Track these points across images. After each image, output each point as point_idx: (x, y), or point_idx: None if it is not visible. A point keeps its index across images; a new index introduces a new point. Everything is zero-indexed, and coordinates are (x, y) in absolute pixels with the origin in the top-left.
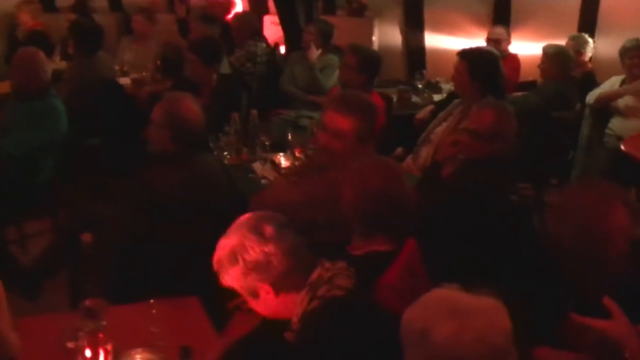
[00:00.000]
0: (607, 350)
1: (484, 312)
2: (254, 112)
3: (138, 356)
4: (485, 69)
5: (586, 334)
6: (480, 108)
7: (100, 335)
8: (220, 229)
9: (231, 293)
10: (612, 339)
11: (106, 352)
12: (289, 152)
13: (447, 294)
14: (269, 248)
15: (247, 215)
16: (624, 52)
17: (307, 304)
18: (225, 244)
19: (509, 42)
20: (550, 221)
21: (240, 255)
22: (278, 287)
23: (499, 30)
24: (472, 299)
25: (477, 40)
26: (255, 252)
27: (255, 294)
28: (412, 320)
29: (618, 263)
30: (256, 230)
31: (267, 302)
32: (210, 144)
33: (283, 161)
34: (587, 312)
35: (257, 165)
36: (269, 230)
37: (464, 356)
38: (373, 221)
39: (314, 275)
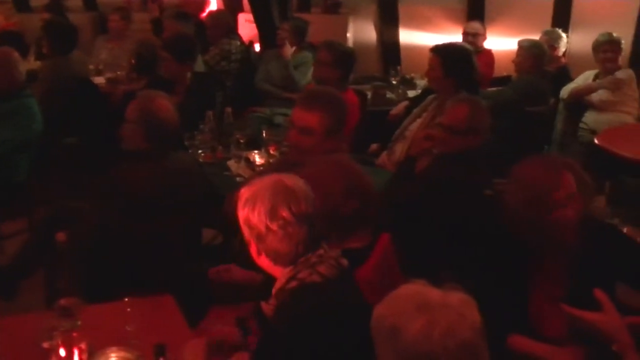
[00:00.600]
0: (596, 343)
1: (453, 307)
2: (229, 110)
3: (113, 355)
4: (458, 64)
5: (576, 324)
6: (454, 103)
7: (75, 335)
8: (194, 227)
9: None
10: (602, 332)
11: (80, 351)
12: (263, 149)
13: (415, 289)
14: (273, 227)
15: (283, 183)
16: (597, 46)
17: (285, 282)
18: (252, 189)
19: (484, 38)
20: (505, 196)
21: (249, 209)
22: (270, 257)
23: (476, 25)
24: (441, 295)
25: (451, 35)
26: (260, 221)
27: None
28: (381, 317)
29: (568, 232)
30: (273, 204)
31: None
32: (185, 142)
33: (258, 159)
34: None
35: (231, 163)
36: (284, 213)
37: (433, 352)
38: (344, 222)
39: (303, 258)
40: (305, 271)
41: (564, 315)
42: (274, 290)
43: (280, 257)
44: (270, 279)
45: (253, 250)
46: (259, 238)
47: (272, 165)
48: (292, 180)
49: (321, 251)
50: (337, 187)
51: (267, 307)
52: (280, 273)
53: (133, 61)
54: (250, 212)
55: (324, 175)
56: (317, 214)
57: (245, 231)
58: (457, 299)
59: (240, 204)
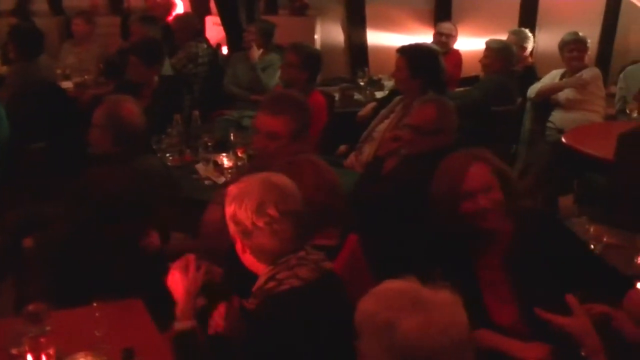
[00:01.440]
0: (566, 346)
1: (446, 305)
2: (196, 113)
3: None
4: (425, 64)
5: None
6: (421, 104)
7: (43, 340)
8: (162, 230)
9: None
10: (571, 335)
11: (48, 357)
12: (231, 152)
13: (406, 286)
14: (260, 223)
15: (271, 180)
16: (563, 45)
17: (264, 282)
18: (240, 186)
19: (455, 39)
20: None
21: (236, 206)
22: (254, 254)
23: (449, 26)
24: (432, 292)
25: (419, 36)
26: (247, 217)
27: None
28: (373, 312)
29: (486, 221)
30: (261, 201)
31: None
32: (153, 146)
33: (226, 161)
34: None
35: (200, 166)
36: (270, 211)
37: (428, 349)
38: (312, 219)
39: (285, 258)
40: (285, 272)
41: (507, 303)
42: (253, 289)
43: (265, 254)
44: (249, 277)
45: (238, 247)
46: (245, 234)
47: (240, 170)
48: (280, 178)
49: (302, 253)
50: (305, 182)
51: (248, 304)
52: (261, 271)
53: (101, 65)
54: (238, 208)
55: (293, 170)
56: (303, 212)
57: (232, 227)
58: (447, 297)
59: (227, 200)
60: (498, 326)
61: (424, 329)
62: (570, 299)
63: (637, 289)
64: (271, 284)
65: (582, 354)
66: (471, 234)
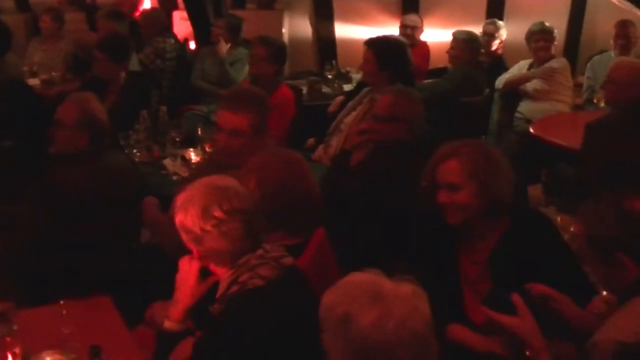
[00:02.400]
0: (512, 345)
1: (406, 298)
2: (164, 108)
3: (48, 358)
4: (393, 56)
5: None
6: (383, 94)
7: (8, 339)
8: (131, 226)
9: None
10: (517, 336)
11: (14, 356)
12: (199, 147)
13: (367, 278)
14: (207, 227)
15: (213, 184)
16: (530, 36)
17: (227, 287)
18: (184, 194)
19: (422, 30)
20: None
21: (182, 214)
22: (211, 258)
23: (414, 18)
24: (393, 285)
25: (387, 28)
26: (194, 224)
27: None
28: (333, 306)
29: (460, 214)
30: (205, 205)
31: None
32: (121, 142)
33: (193, 156)
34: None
35: (167, 162)
36: (216, 213)
37: (386, 343)
38: (273, 216)
39: (243, 259)
40: (246, 274)
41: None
42: (217, 295)
43: (221, 257)
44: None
45: (195, 255)
46: (197, 241)
47: (200, 168)
48: (223, 179)
49: (261, 251)
50: (273, 180)
51: (213, 311)
52: (223, 275)
53: (69, 62)
54: (184, 217)
55: (267, 165)
56: (253, 209)
57: (183, 236)
58: (409, 290)
59: (175, 211)
60: (471, 322)
61: (380, 322)
62: (516, 298)
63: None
64: (235, 288)
65: (527, 353)
66: (452, 226)
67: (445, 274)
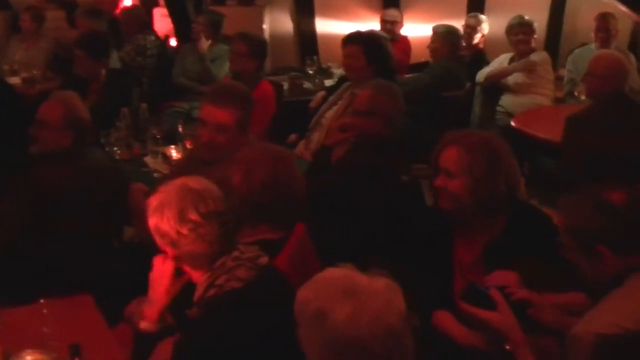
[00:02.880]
0: (490, 340)
1: (380, 293)
2: (144, 105)
3: (28, 357)
4: (379, 51)
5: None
6: (363, 88)
7: None
8: (112, 225)
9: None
10: (495, 330)
11: None
12: (180, 144)
13: (341, 274)
14: (184, 231)
15: (187, 186)
16: (510, 29)
17: (204, 290)
18: (158, 197)
19: (401, 25)
20: None
21: (157, 218)
22: (187, 262)
23: (394, 13)
24: (367, 280)
25: (368, 23)
26: (170, 227)
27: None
28: (307, 301)
29: (451, 201)
30: (180, 208)
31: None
32: (101, 140)
33: (174, 153)
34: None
35: (148, 159)
36: (192, 216)
37: (360, 337)
38: (259, 209)
39: (219, 261)
40: (223, 277)
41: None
42: (195, 299)
43: (198, 260)
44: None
45: (170, 256)
46: (173, 244)
47: (180, 165)
48: (197, 182)
49: (237, 253)
50: (261, 173)
51: (191, 315)
52: (199, 279)
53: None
54: (159, 220)
55: (255, 158)
56: (228, 210)
57: (158, 240)
58: (383, 284)
59: (148, 213)
60: (460, 310)
61: (354, 317)
62: (495, 293)
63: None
64: (212, 291)
65: (507, 348)
66: (450, 214)
67: (439, 260)
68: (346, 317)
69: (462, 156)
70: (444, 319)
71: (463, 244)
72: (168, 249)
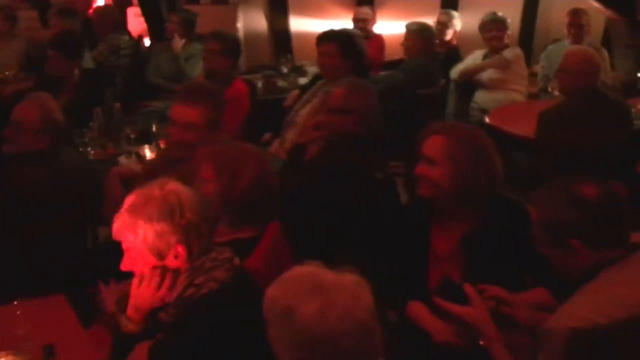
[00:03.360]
0: (464, 334)
1: (347, 288)
2: (117, 105)
3: (2, 359)
4: (354, 48)
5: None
6: (337, 86)
7: None
8: (87, 225)
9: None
10: (469, 325)
11: None
12: (154, 143)
13: (309, 271)
14: (161, 246)
15: (164, 199)
16: (483, 26)
17: (182, 290)
18: (133, 205)
19: (374, 22)
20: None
21: (132, 231)
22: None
23: (366, 10)
24: (334, 276)
25: (342, 21)
26: (145, 240)
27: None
28: (275, 299)
29: (429, 189)
30: (157, 221)
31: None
32: (75, 140)
33: (148, 153)
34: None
35: (122, 159)
36: (166, 228)
37: (329, 333)
38: (245, 210)
39: (198, 262)
40: (201, 277)
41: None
42: (171, 298)
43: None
44: None
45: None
46: (159, 256)
47: (154, 164)
48: (173, 193)
49: (214, 254)
50: (246, 175)
51: (167, 316)
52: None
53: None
54: (134, 235)
55: (235, 161)
56: (205, 214)
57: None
58: (350, 280)
59: (122, 220)
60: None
61: (323, 313)
62: (468, 288)
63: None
64: (190, 291)
65: (480, 343)
66: (428, 203)
67: (415, 252)
68: (314, 313)
69: (446, 145)
70: (418, 311)
71: (440, 235)
72: (154, 259)
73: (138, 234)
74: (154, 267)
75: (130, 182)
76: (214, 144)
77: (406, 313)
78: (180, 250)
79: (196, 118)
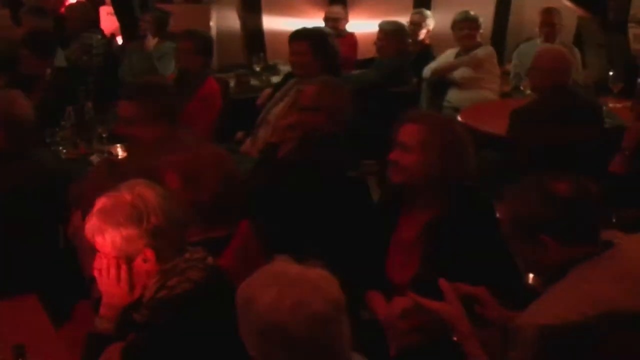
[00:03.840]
0: (439, 330)
1: (308, 280)
2: (89, 104)
3: None
4: (327, 47)
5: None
6: (309, 84)
7: None
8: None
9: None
10: (443, 320)
11: None
12: (126, 143)
13: (278, 265)
14: (130, 250)
15: (131, 203)
16: (455, 24)
17: (155, 291)
18: (101, 210)
19: (346, 21)
20: None
21: (100, 236)
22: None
23: (337, 9)
24: (300, 270)
25: (315, 20)
26: (113, 246)
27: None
28: (240, 290)
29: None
30: (123, 226)
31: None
32: (47, 139)
33: (120, 152)
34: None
35: (94, 158)
36: (133, 232)
37: (283, 322)
38: (215, 211)
39: (170, 264)
40: (175, 278)
41: (411, 265)
42: (144, 299)
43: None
44: None
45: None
46: (128, 260)
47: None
48: (141, 197)
49: (187, 255)
50: (211, 179)
51: (140, 317)
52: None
53: None
54: (102, 239)
55: (198, 167)
56: (175, 217)
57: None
58: (314, 273)
59: (92, 223)
60: (395, 285)
61: (278, 301)
62: (443, 283)
63: None
64: (163, 293)
65: (454, 339)
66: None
67: (380, 236)
68: (269, 301)
69: (421, 132)
70: (374, 299)
71: (407, 223)
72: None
73: (106, 238)
74: (111, 260)
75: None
76: (173, 140)
77: (366, 301)
78: (149, 254)
79: (131, 112)
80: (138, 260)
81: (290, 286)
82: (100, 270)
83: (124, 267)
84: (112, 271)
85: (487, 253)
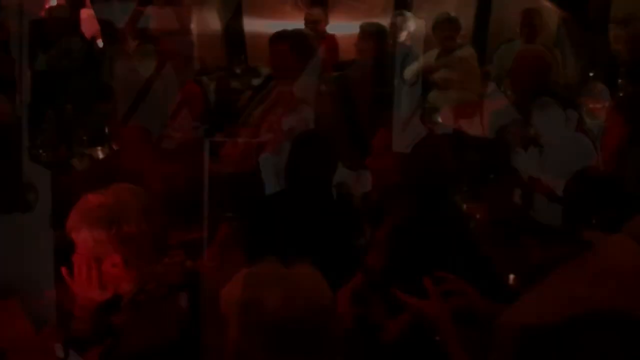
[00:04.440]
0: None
1: (307, 277)
2: (69, 107)
3: None
4: (307, 49)
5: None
6: (290, 86)
7: None
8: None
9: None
10: (426, 318)
11: None
12: (106, 145)
13: (267, 266)
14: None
15: (108, 207)
16: (435, 26)
17: (133, 295)
18: (79, 213)
19: (326, 23)
20: None
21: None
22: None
23: (317, 11)
24: (292, 269)
25: (296, 22)
26: (93, 249)
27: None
28: (236, 295)
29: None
30: (99, 230)
31: None
32: (27, 143)
33: (101, 155)
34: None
35: (75, 161)
36: (110, 237)
37: (295, 320)
38: (188, 212)
39: (147, 268)
40: (153, 283)
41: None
42: (122, 303)
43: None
44: None
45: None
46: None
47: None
48: (119, 202)
49: (166, 259)
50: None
51: (117, 320)
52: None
53: None
54: (77, 236)
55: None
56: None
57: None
58: (307, 271)
59: (72, 219)
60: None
61: (289, 300)
62: (427, 282)
63: None
64: (141, 297)
65: (437, 338)
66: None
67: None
68: (279, 302)
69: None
70: (340, 297)
71: (384, 222)
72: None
73: (80, 236)
74: (83, 258)
75: None
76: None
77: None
78: (117, 259)
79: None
80: (106, 264)
81: (297, 284)
82: (73, 267)
83: (94, 266)
84: (84, 269)
85: (456, 256)
